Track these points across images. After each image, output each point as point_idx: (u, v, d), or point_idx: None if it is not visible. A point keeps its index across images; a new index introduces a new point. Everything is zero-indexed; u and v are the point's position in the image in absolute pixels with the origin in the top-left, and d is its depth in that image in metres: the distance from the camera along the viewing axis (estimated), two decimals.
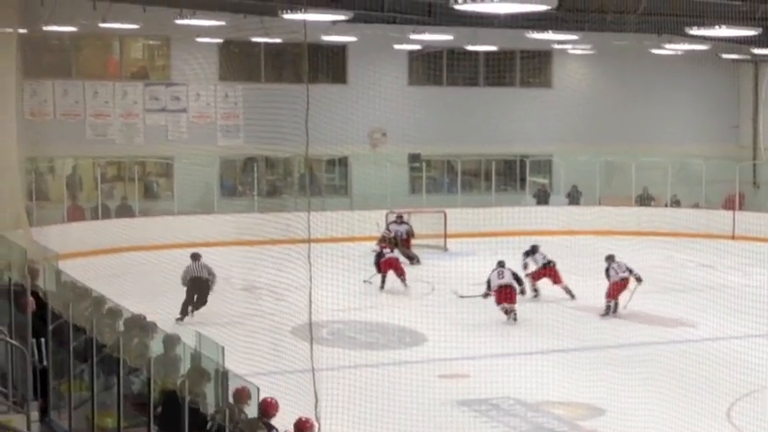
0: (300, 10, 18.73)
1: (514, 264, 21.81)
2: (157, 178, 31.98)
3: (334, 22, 25.36)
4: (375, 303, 21.51)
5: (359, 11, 22.35)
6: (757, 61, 35.10)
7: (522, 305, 20.85)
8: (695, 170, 33.29)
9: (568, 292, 22.39)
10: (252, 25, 25.85)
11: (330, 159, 32.21)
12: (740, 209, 32.27)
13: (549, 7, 11.51)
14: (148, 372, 9.97)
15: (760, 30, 20.04)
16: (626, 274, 21.17)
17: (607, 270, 21.30)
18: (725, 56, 32.92)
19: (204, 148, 29.64)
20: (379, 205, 29.94)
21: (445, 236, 29.26)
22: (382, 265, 23.59)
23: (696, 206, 32.95)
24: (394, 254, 24.20)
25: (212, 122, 31.33)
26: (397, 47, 31.19)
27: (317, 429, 10.74)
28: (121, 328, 11.03)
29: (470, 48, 31.62)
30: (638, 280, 21.12)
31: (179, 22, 24.63)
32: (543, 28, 24.65)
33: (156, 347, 10.59)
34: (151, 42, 31.73)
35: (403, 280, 23.46)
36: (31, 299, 11.55)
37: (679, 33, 25.35)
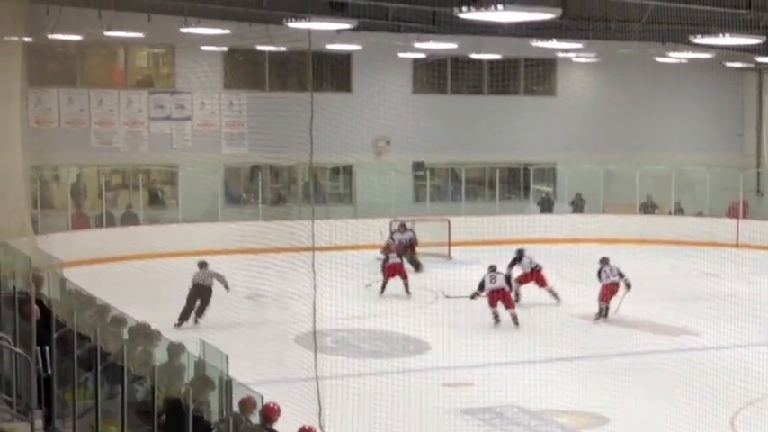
0: (305, 18, 18.79)
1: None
2: (162, 186, 32.00)
3: (339, 31, 25.42)
4: (379, 312, 21.50)
5: (363, 19, 22.38)
6: (761, 70, 35.11)
7: (523, 311, 20.88)
8: (699, 178, 33.30)
9: (554, 295, 22.44)
10: (257, 34, 25.87)
11: (334, 167, 32.25)
12: (744, 217, 32.23)
13: (553, 16, 11.55)
14: (152, 380, 9.97)
15: (764, 38, 20.04)
16: (616, 278, 21.19)
17: (599, 272, 21.35)
18: (729, 64, 32.91)
19: (209, 157, 29.66)
20: (384, 213, 29.93)
21: (449, 244, 29.23)
22: (387, 269, 23.64)
23: (700, 214, 32.97)
24: (399, 259, 24.20)
25: (217, 131, 31.36)
26: (401, 55, 31.25)
27: None
28: (126, 336, 11.03)
29: (474, 56, 31.63)
30: (628, 286, 21.10)
31: (184, 30, 24.66)
32: (547, 36, 24.68)
33: (160, 355, 10.60)
34: (156, 51, 31.79)
35: (406, 285, 23.51)
36: (35, 307, 11.51)
37: (683, 42, 25.34)
